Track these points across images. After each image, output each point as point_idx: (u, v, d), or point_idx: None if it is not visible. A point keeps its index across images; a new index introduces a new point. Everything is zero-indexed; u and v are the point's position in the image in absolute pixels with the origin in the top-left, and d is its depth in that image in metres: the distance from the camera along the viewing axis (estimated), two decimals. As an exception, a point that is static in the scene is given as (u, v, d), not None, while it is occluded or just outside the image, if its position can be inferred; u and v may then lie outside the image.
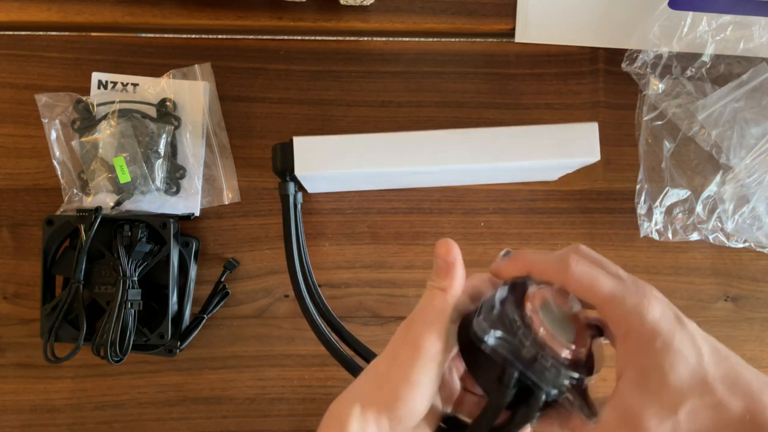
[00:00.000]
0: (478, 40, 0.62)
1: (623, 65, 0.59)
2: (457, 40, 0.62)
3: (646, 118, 0.60)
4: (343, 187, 0.60)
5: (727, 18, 0.56)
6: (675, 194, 0.59)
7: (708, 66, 0.58)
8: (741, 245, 0.60)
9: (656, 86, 0.59)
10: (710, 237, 0.60)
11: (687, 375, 0.30)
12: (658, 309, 0.31)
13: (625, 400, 0.31)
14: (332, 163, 0.51)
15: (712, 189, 0.59)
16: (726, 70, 0.59)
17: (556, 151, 0.51)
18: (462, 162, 0.50)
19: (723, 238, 0.60)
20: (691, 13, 0.56)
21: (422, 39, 0.62)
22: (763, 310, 0.63)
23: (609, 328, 0.33)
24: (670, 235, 0.59)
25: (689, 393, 0.29)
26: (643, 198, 0.59)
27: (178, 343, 0.58)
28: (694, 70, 0.59)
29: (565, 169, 0.57)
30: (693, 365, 0.30)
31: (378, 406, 0.34)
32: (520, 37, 0.61)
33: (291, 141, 0.52)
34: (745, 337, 0.62)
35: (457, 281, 0.36)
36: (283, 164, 0.53)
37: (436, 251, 0.36)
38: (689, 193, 0.59)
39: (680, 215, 0.59)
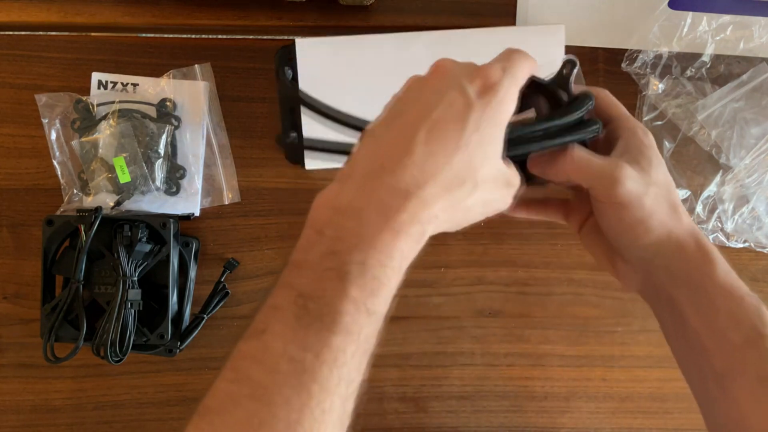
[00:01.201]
0: (478, 40, 0.62)
1: (623, 65, 0.59)
2: (457, 40, 0.62)
3: (645, 119, 0.60)
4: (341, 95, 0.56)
5: (727, 18, 0.56)
6: None
7: (708, 66, 0.58)
8: (741, 245, 0.60)
9: (656, 86, 0.59)
10: (710, 237, 0.60)
11: (663, 174, 0.40)
12: (626, 175, 0.38)
13: (619, 155, 0.39)
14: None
15: (711, 189, 0.59)
16: (726, 70, 0.59)
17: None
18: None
19: (723, 239, 0.60)
20: (691, 13, 0.56)
21: (422, 39, 0.62)
22: (763, 310, 0.63)
23: (617, 123, 0.41)
24: None
25: (659, 183, 0.39)
26: None
27: (178, 343, 0.58)
28: (694, 70, 0.59)
29: None
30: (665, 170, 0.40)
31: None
32: (520, 37, 0.61)
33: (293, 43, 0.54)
34: (745, 337, 0.62)
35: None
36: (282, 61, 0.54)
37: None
38: (689, 193, 0.59)
39: None
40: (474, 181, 0.33)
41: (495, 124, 0.34)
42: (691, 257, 0.38)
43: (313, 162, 0.58)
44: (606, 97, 0.42)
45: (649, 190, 0.38)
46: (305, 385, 0.29)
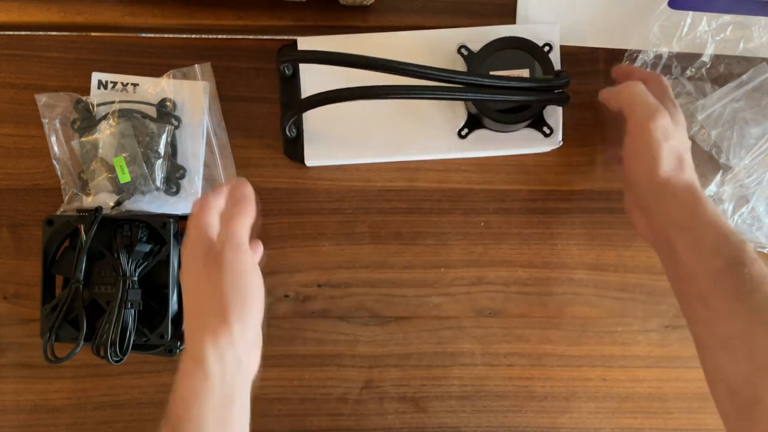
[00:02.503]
0: (478, 40, 0.62)
1: (624, 64, 0.59)
2: (457, 40, 0.62)
3: None
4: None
5: (727, 18, 0.56)
6: None
7: (708, 66, 0.58)
8: None
9: None
10: None
11: (683, 135, 0.50)
12: (662, 119, 0.48)
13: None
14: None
15: (711, 189, 0.59)
16: (726, 70, 0.59)
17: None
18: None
19: None
20: (691, 13, 0.56)
21: (422, 39, 0.62)
22: (763, 310, 0.63)
23: (630, 121, 0.49)
24: None
25: (678, 139, 0.49)
26: None
27: (178, 343, 0.58)
28: (693, 70, 0.59)
29: None
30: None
31: (219, 325, 0.42)
32: (520, 37, 0.61)
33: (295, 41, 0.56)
34: (745, 337, 0.62)
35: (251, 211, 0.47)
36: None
37: (232, 187, 0.47)
38: None
39: None
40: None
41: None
42: (683, 200, 0.46)
43: (313, 159, 0.58)
44: (658, 84, 0.52)
45: (670, 139, 0.47)
46: None
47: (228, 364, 0.42)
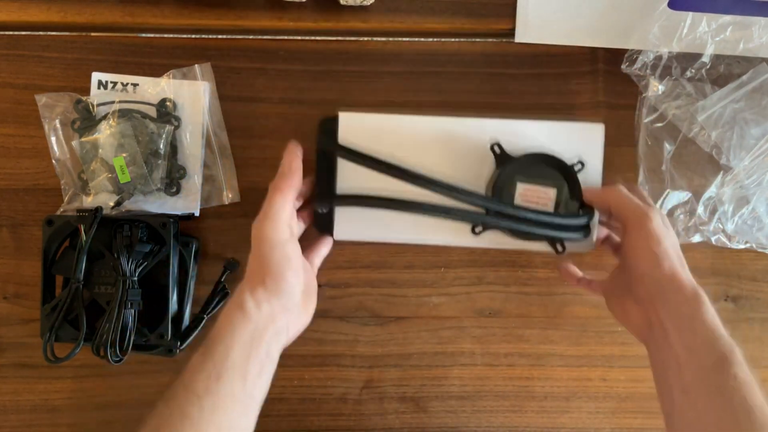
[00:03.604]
0: (478, 40, 0.62)
1: (623, 67, 0.59)
2: (457, 40, 0.62)
3: (646, 120, 0.59)
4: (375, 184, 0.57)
5: (727, 18, 0.56)
6: (676, 196, 0.59)
7: (708, 67, 0.58)
8: (743, 246, 0.60)
9: (656, 88, 0.58)
10: (712, 239, 0.59)
11: (674, 236, 0.51)
12: (657, 217, 0.50)
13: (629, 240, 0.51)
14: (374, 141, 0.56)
15: (712, 191, 0.59)
16: (726, 70, 0.59)
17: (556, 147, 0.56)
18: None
19: (725, 240, 0.60)
20: (690, 14, 0.56)
21: (422, 39, 0.62)
22: (763, 310, 0.63)
23: (626, 220, 0.51)
24: None
25: (673, 238, 0.50)
26: None
27: (178, 343, 0.58)
28: (693, 71, 0.58)
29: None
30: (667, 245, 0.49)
31: (258, 284, 0.48)
32: (520, 37, 0.61)
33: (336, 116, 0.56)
34: (745, 337, 0.62)
35: (294, 185, 0.51)
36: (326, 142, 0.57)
37: (283, 156, 0.52)
38: (690, 195, 0.59)
39: (682, 217, 0.59)
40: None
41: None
42: (686, 297, 0.47)
43: (342, 235, 0.57)
44: (626, 194, 0.53)
45: (668, 236, 0.49)
46: None
47: (263, 312, 0.47)
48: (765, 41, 0.57)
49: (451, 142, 0.56)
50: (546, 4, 0.60)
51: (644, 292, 0.50)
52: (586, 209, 0.54)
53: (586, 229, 0.54)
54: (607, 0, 0.59)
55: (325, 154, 0.57)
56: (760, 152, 0.57)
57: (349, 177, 0.56)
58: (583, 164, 0.56)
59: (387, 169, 0.53)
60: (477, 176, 0.56)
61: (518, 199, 0.55)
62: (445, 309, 0.62)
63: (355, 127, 0.56)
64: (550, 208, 0.55)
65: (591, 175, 0.56)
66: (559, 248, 0.55)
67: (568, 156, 0.55)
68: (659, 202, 0.59)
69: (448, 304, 0.62)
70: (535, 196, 0.55)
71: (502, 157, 0.55)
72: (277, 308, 0.48)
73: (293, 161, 0.51)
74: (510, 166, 0.55)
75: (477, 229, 0.56)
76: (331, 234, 0.57)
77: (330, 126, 0.56)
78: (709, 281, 0.62)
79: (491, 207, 0.53)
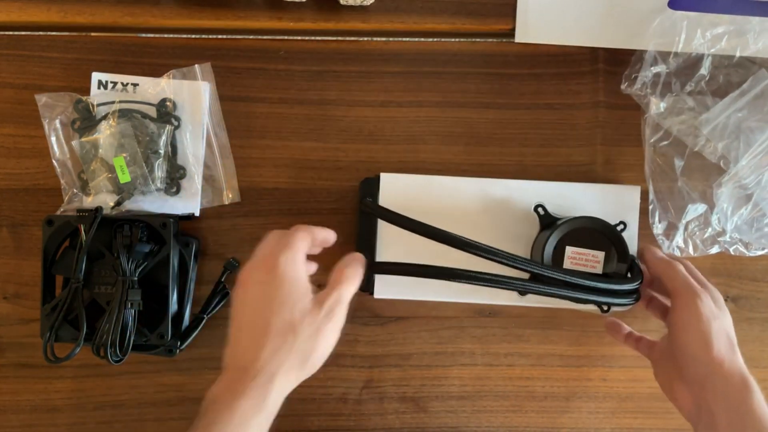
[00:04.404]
0: (478, 40, 0.62)
1: (622, 87, 0.58)
2: (457, 40, 0.62)
3: (651, 140, 0.58)
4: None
5: (720, 29, 0.56)
6: (693, 209, 0.58)
7: (707, 79, 0.58)
8: (761, 252, 0.59)
9: (658, 106, 0.58)
10: (730, 249, 0.58)
11: (728, 319, 0.52)
12: (707, 298, 0.51)
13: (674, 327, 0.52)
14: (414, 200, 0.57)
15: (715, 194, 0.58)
16: (725, 80, 0.58)
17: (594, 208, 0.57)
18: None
19: (743, 249, 0.58)
20: (685, 26, 0.56)
21: (422, 39, 0.62)
22: (763, 310, 0.63)
23: (676, 294, 0.52)
24: (691, 250, 0.58)
25: (725, 320, 0.52)
26: (657, 217, 0.58)
27: (178, 343, 0.58)
28: (693, 84, 0.58)
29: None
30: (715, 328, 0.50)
31: (293, 368, 0.45)
32: (520, 37, 0.61)
33: (378, 176, 0.57)
34: (745, 337, 0.62)
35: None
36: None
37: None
38: (706, 207, 0.58)
39: (697, 230, 0.59)
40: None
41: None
42: (736, 385, 0.48)
43: (382, 293, 0.58)
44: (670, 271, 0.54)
45: (718, 318, 0.50)
46: None
47: (284, 395, 0.46)
48: (761, 46, 0.57)
49: (492, 203, 0.57)
50: (546, 4, 0.60)
51: (693, 374, 0.50)
52: (635, 273, 0.54)
53: (636, 294, 0.54)
54: (607, 0, 0.59)
55: (365, 214, 0.57)
56: (759, 151, 0.57)
57: (391, 238, 0.56)
58: (625, 225, 0.56)
59: (429, 233, 0.51)
60: (517, 237, 0.57)
61: (567, 263, 0.55)
62: (445, 309, 0.62)
63: (396, 188, 0.56)
64: (599, 271, 0.55)
65: (628, 236, 0.56)
66: (605, 308, 0.56)
67: (606, 217, 0.55)
68: (683, 217, 0.58)
69: (448, 304, 0.62)
70: (583, 259, 0.55)
71: (545, 218, 0.55)
72: (301, 380, 0.46)
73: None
74: (557, 230, 0.54)
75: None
76: (371, 293, 0.58)
77: (371, 187, 0.57)
78: (710, 281, 0.62)
79: (543, 273, 0.51)
